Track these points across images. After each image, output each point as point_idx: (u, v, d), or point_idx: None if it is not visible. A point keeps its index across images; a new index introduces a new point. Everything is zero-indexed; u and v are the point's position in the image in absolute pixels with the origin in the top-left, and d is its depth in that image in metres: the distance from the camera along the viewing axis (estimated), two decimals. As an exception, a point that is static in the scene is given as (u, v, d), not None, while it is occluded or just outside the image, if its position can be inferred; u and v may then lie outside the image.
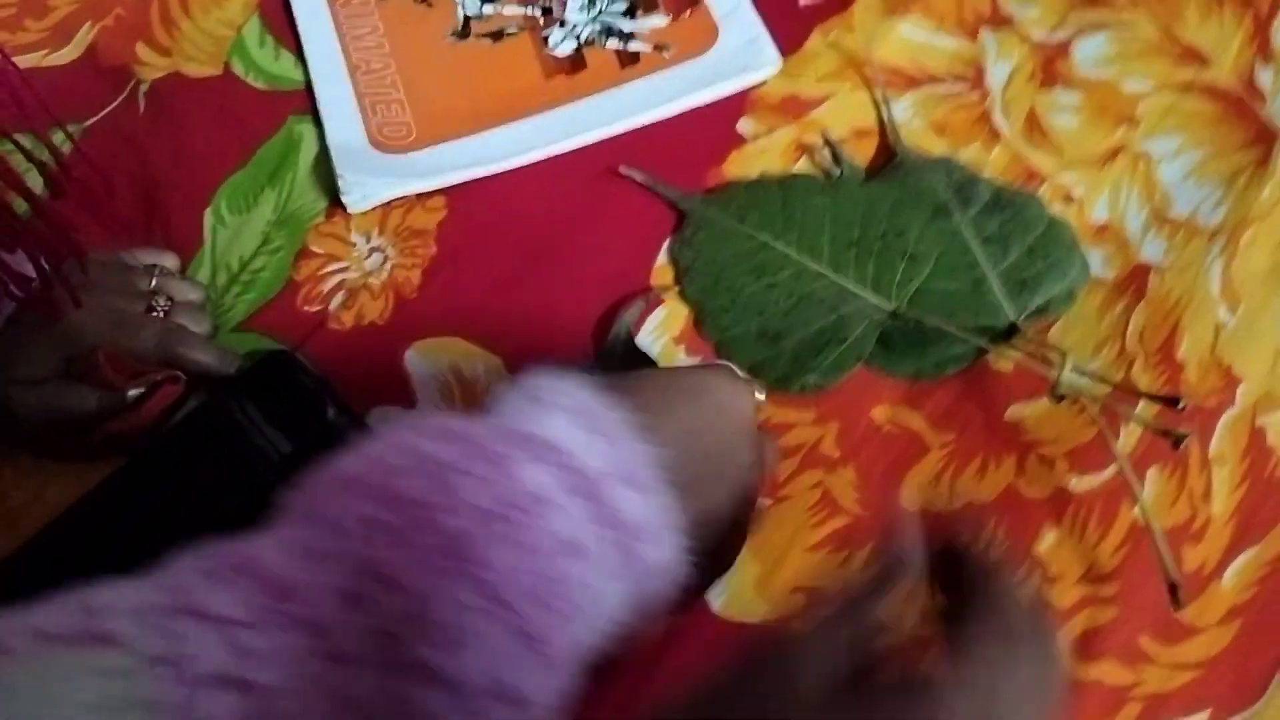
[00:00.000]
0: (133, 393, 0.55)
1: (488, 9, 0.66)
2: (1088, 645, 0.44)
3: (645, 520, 0.33)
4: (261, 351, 0.56)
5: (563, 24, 0.65)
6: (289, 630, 0.29)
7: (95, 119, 0.64)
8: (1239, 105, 0.55)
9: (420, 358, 0.55)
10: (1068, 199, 0.55)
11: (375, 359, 0.55)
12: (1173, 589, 0.43)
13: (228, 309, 0.58)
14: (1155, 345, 0.50)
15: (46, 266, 0.50)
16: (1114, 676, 0.44)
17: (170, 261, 0.59)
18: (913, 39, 0.61)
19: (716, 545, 0.38)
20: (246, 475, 0.53)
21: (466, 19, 0.66)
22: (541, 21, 0.65)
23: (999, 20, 0.61)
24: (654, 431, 0.34)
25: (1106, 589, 0.44)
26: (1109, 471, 0.47)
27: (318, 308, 0.58)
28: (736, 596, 0.47)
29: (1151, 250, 0.52)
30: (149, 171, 0.62)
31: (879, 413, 0.50)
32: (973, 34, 0.61)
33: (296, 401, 0.54)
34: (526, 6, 0.66)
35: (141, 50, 0.66)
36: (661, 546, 0.33)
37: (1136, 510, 0.44)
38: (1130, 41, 0.58)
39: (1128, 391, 0.47)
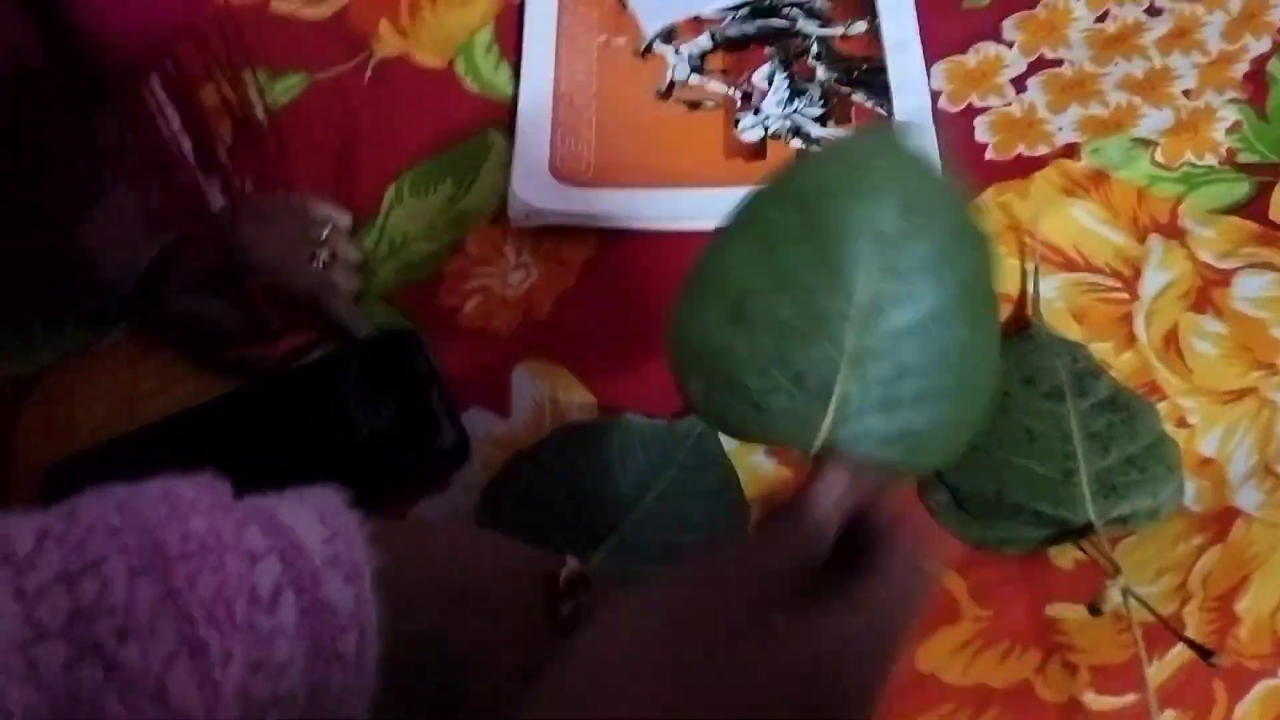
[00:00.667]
0: (274, 327, 0.60)
1: (694, 79, 0.69)
2: None
3: (342, 604, 0.37)
4: (391, 326, 0.61)
5: (757, 112, 0.68)
6: (5, 596, 0.33)
7: (324, 75, 0.70)
8: (1386, 383, 0.55)
9: (527, 375, 0.59)
10: (1182, 423, 0.55)
11: (488, 364, 0.59)
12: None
13: (378, 278, 0.63)
14: (1218, 591, 0.49)
15: (223, 194, 0.56)
16: None
17: (344, 220, 0.64)
18: (1081, 223, 0.62)
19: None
20: (333, 437, 0.57)
21: (673, 83, 0.70)
22: (739, 104, 0.68)
23: (1172, 231, 0.61)
24: (399, 551, 0.39)
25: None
26: (1128, 699, 0.47)
27: (454, 302, 0.62)
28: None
29: (1246, 498, 0.52)
30: (352, 136, 0.68)
31: (927, 569, 0.51)
32: (1142, 236, 0.61)
33: (408, 381, 0.58)
34: (730, 87, 0.69)
35: (384, 27, 0.72)
36: (350, 637, 0.37)
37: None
38: (1295, 289, 0.58)
39: (1168, 628, 0.47)
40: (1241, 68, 0.68)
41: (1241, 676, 0.47)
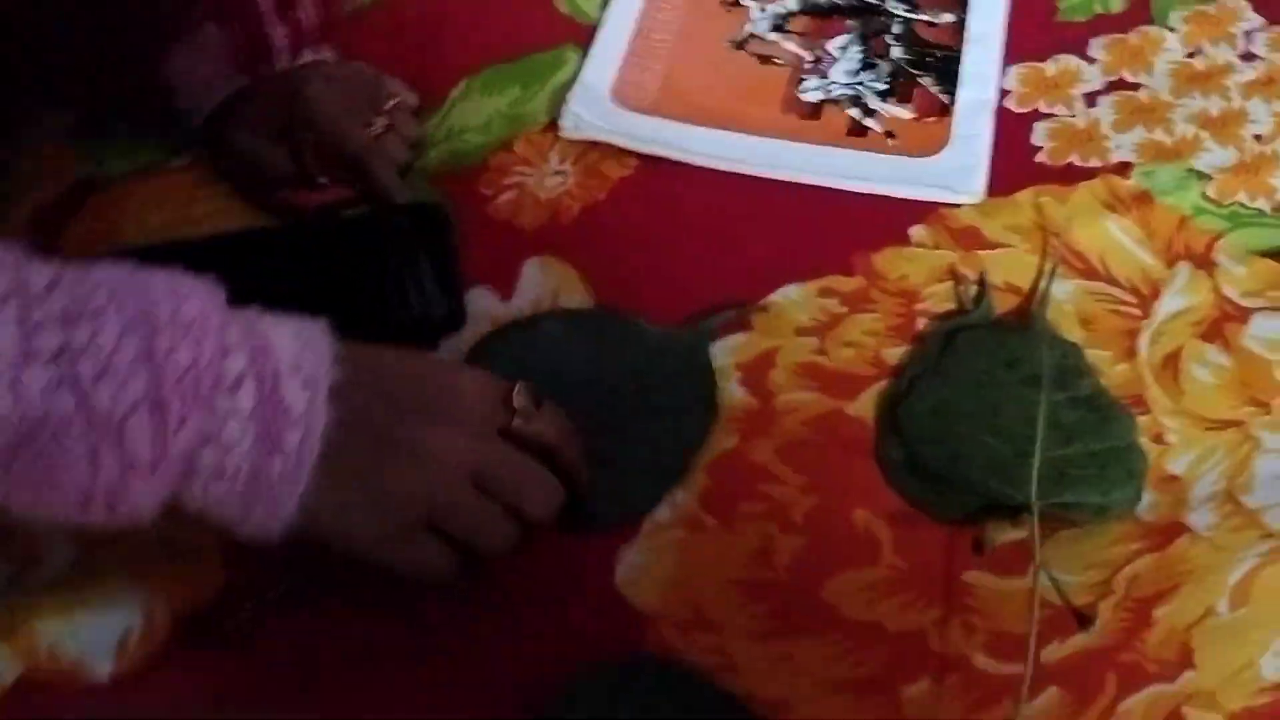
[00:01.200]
0: (321, 180, 0.64)
1: (772, 36, 0.72)
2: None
3: (295, 404, 0.42)
4: (429, 200, 0.64)
5: (822, 76, 0.69)
6: (10, 319, 0.38)
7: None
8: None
9: (537, 269, 0.62)
10: (1159, 439, 0.55)
11: (505, 252, 0.62)
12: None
13: (428, 158, 0.66)
14: (1140, 593, 0.49)
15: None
16: None
17: (411, 100, 0.68)
18: (1114, 238, 0.62)
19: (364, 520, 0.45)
20: (345, 278, 0.61)
21: (751, 35, 0.72)
22: (807, 66, 0.70)
23: (1204, 262, 0.61)
24: (359, 370, 0.44)
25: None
26: (1013, 668, 0.47)
27: (490, 191, 0.65)
28: (639, 579, 0.50)
29: (1200, 518, 0.52)
30: (439, 28, 0.72)
31: (860, 515, 0.52)
32: (1172, 262, 0.61)
33: (427, 247, 0.62)
34: (803, 49, 0.71)
35: (494, -64, 0.75)
36: (296, 434, 0.42)
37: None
38: (1311, 338, 0.57)
39: (1060, 595, 0.47)
40: (1320, 123, 0.67)
41: (1137, 675, 0.47)
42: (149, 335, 0.40)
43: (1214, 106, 0.68)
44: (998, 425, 0.54)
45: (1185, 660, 0.48)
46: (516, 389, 0.48)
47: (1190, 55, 0.71)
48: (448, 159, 0.67)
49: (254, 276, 0.57)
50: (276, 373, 0.43)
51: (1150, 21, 0.72)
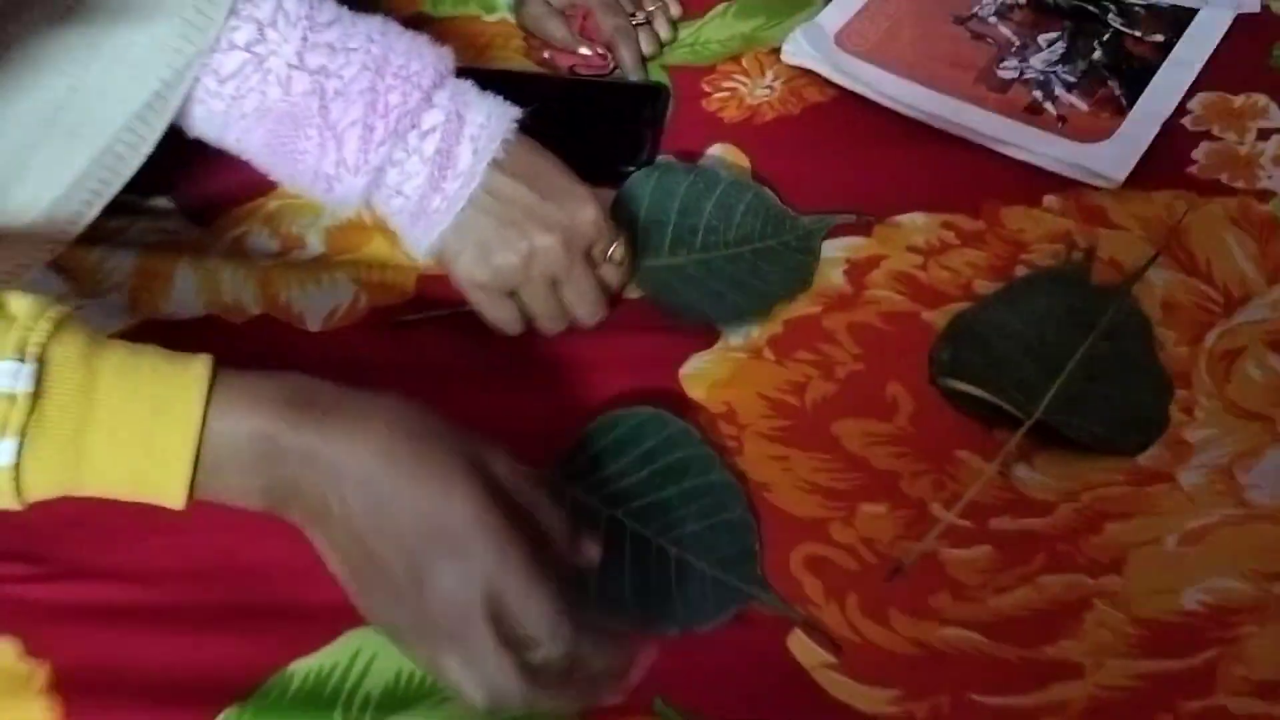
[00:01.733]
0: (581, 50, 0.81)
1: (992, 19, 0.82)
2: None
3: (463, 163, 0.57)
4: (654, 83, 0.80)
5: (1022, 60, 0.79)
6: (299, 37, 0.56)
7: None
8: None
9: (718, 155, 0.76)
10: (1187, 411, 0.62)
11: (699, 134, 0.77)
12: (898, 567, 0.54)
13: (671, 53, 0.82)
14: (1102, 509, 0.57)
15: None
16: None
17: (674, 8, 0.84)
18: (1227, 248, 0.68)
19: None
20: (588, 126, 0.77)
21: (974, 15, 0.82)
22: (1011, 49, 0.80)
23: (1308, 284, 0.66)
24: (520, 163, 0.59)
25: (868, 554, 0.56)
26: (963, 523, 0.57)
27: (708, 90, 0.80)
28: (696, 376, 0.63)
29: (1189, 477, 0.59)
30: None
31: (892, 387, 0.63)
32: (1275, 281, 0.67)
33: (643, 115, 0.77)
34: (1017, 36, 0.81)
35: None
36: (455, 184, 0.57)
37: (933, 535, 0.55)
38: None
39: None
40: None
41: (1065, 562, 0.54)
42: (378, 76, 0.57)
43: (1386, 164, 0.72)
44: (1037, 351, 0.63)
45: (1115, 567, 0.56)
46: (614, 242, 0.62)
47: (1391, 118, 0.75)
48: (687, 58, 0.82)
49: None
50: (459, 134, 0.59)
51: (1360, 83, 0.76)
